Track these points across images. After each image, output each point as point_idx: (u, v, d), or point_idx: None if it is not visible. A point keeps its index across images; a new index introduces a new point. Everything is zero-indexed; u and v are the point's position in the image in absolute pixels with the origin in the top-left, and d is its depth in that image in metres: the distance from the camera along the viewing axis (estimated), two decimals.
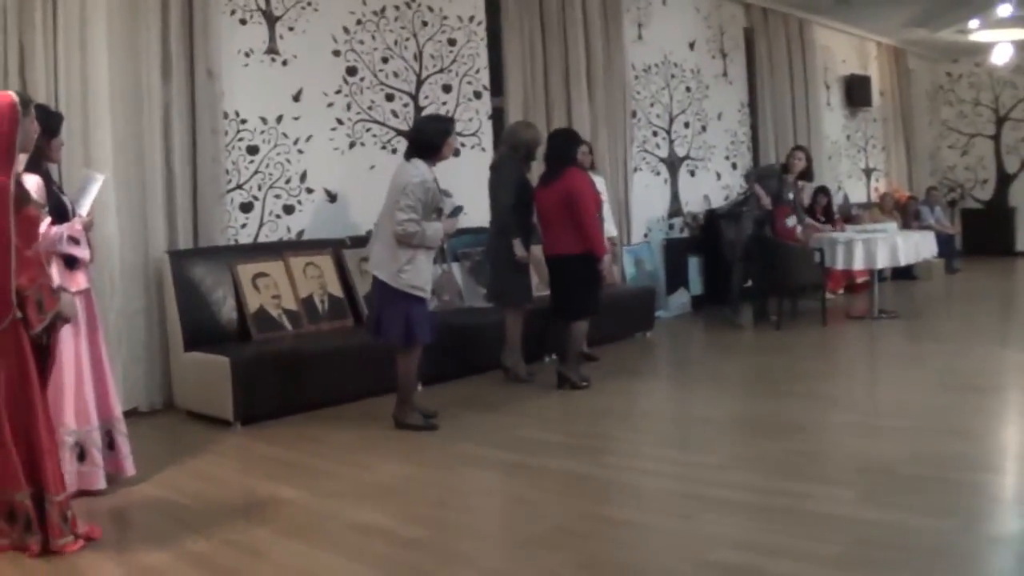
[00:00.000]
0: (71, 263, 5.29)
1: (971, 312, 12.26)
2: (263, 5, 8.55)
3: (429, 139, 6.77)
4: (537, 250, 8.36)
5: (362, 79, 9.27)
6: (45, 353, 4.51)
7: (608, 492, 5.35)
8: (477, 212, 8.89)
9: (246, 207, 8.45)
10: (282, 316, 7.99)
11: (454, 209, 6.95)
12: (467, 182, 9.56)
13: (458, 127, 9.95)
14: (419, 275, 6.65)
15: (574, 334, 8.05)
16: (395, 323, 6.63)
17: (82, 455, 5.38)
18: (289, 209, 8.74)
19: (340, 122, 9.09)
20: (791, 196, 11.13)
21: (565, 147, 8.07)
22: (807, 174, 11.31)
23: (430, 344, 6.89)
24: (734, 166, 13.96)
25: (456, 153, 9.84)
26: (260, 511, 5.15)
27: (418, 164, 6.68)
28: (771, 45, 14.58)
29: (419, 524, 4.87)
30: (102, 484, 5.48)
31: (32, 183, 5.08)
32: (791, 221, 11.12)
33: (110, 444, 5.55)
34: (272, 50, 8.63)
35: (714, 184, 13.74)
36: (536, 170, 8.59)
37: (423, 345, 6.83)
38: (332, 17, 9.04)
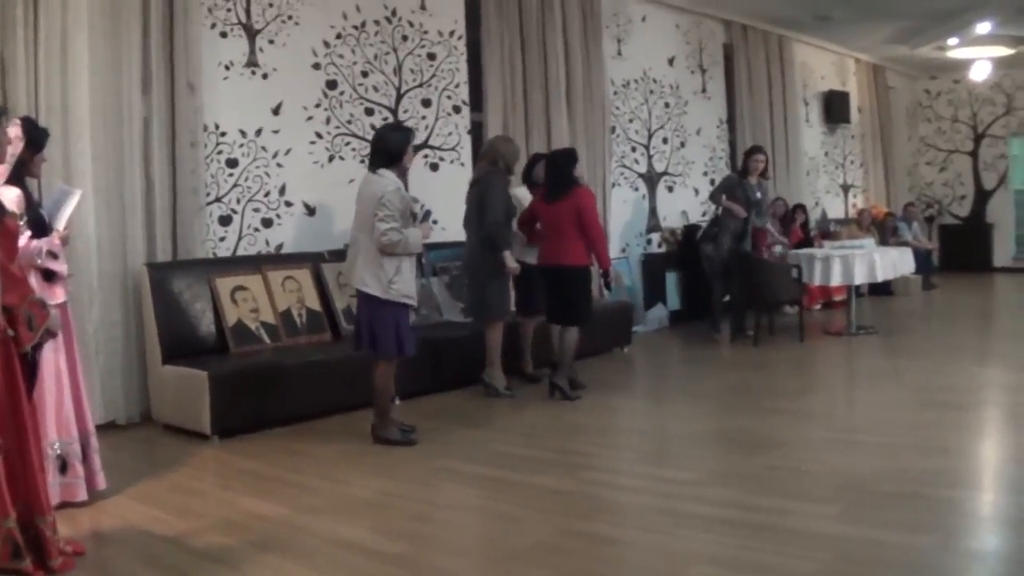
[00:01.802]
0: (49, 276, 5.29)
1: (949, 328, 12.32)
2: (243, 18, 8.55)
3: (395, 148, 6.77)
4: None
5: (342, 93, 9.27)
6: (32, 369, 4.48)
7: (588, 508, 5.34)
8: (456, 227, 8.90)
9: (225, 220, 8.44)
10: (260, 329, 7.96)
11: (425, 213, 7.15)
12: (445, 196, 9.63)
13: (438, 142, 10.02)
14: (408, 283, 6.72)
15: (568, 342, 8.22)
16: (388, 335, 6.65)
17: (63, 467, 5.37)
18: (268, 222, 8.72)
19: (319, 136, 9.08)
20: (759, 196, 11.17)
21: (570, 166, 8.29)
22: (764, 172, 11.36)
23: (411, 357, 6.91)
24: (712, 182, 13.96)
25: (434, 167, 9.93)
26: (238, 525, 5.12)
27: (386, 174, 6.71)
28: (750, 61, 14.64)
29: (399, 539, 4.85)
30: (84, 496, 5.47)
31: (13, 196, 5.07)
32: (760, 221, 11.23)
33: (83, 459, 5.53)
34: (252, 63, 8.63)
35: (692, 200, 13.77)
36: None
37: (407, 358, 6.87)
38: (312, 31, 9.04)
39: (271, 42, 8.74)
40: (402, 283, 6.65)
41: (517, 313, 8.79)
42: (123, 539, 5.03)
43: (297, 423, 7.36)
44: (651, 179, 13.06)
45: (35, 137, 5.36)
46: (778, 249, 11.18)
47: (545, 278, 8.37)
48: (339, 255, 8.68)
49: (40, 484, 4.38)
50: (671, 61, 13.45)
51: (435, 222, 8.90)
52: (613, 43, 12.41)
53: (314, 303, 8.40)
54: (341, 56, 9.27)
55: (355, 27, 9.38)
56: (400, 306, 6.70)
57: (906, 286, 15.18)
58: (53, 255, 5.27)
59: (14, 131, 5.27)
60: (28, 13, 7.08)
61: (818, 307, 13.66)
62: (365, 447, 6.76)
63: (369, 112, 9.48)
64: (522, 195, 8.73)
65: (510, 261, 8.18)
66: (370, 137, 9.18)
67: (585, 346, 8.75)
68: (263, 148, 8.67)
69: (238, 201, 8.52)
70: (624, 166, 12.57)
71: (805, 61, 16.44)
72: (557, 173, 8.30)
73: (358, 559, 4.61)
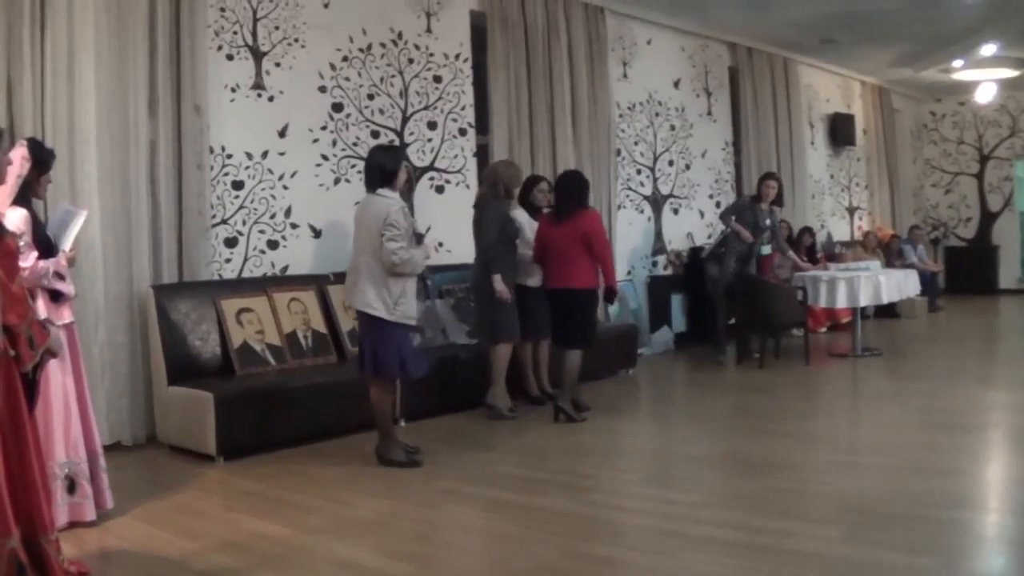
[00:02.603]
0: (56, 297, 5.33)
1: (954, 350, 12.29)
2: (250, 41, 8.60)
3: (390, 167, 6.77)
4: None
5: (348, 115, 9.31)
6: (32, 389, 4.49)
7: (591, 529, 5.33)
8: (462, 249, 8.92)
9: (231, 242, 8.46)
10: (266, 351, 7.98)
11: (420, 235, 7.15)
12: (452, 219, 9.65)
13: (443, 164, 10.06)
14: (411, 305, 6.76)
15: (570, 364, 8.23)
16: (392, 357, 6.66)
17: (72, 487, 5.40)
18: (274, 244, 8.75)
19: (325, 158, 9.12)
20: (768, 223, 11.18)
21: (579, 188, 8.37)
22: (778, 199, 11.34)
23: (422, 377, 6.95)
24: (718, 204, 14.00)
25: (439, 190, 9.96)
26: (242, 546, 5.13)
27: (387, 193, 6.72)
28: (755, 84, 14.69)
29: (402, 560, 4.85)
30: (92, 515, 5.48)
31: (19, 216, 5.10)
32: (766, 249, 11.21)
33: (91, 478, 5.54)
34: (258, 85, 8.67)
35: (698, 222, 13.79)
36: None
37: (416, 377, 6.90)
38: (318, 53, 9.09)
39: (277, 65, 8.78)
40: (406, 305, 6.68)
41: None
42: (127, 560, 5.04)
43: (301, 444, 7.37)
44: (656, 202, 13.08)
45: (41, 158, 5.41)
46: (766, 249, 11.15)
47: (550, 301, 8.38)
48: (344, 277, 8.72)
49: (43, 503, 4.38)
50: (676, 84, 13.49)
51: (440, 244, 8.92)
52: (619, 66, 12.46)
53: (320, 325, 8.41)
54: (347, 79, 9.31)
55: (361, 50, 9.43)
56: (403, 327, 6.72)
57: (911, 308, 15.17)
58: (60, 276, 5.31)
59: (20, 152, 5.31)
60: (35, 34, 7.12)
61: (824, 330, 13.65)
62: (369, 468, 6.76)
63: (375, 135, 9.51)
64: (520, 218, 8.71)
65: (499, 285, 8.16)
66: None
67: (590, 368, 8.77)
68: (269, 170, 8.70)
69: (244, 223, 8.55)
70: (629, 188, 12.59)
71: (810, 84, 16.48)
72: (564, 195, 8.34)
73: None
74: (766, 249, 11.33)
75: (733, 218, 11.10)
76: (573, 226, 8.10)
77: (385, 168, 6.76)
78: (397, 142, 9.66)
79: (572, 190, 8.33)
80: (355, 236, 6.90)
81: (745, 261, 11.05)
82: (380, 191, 6.73)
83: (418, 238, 6.91)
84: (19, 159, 5.27)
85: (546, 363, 9.06)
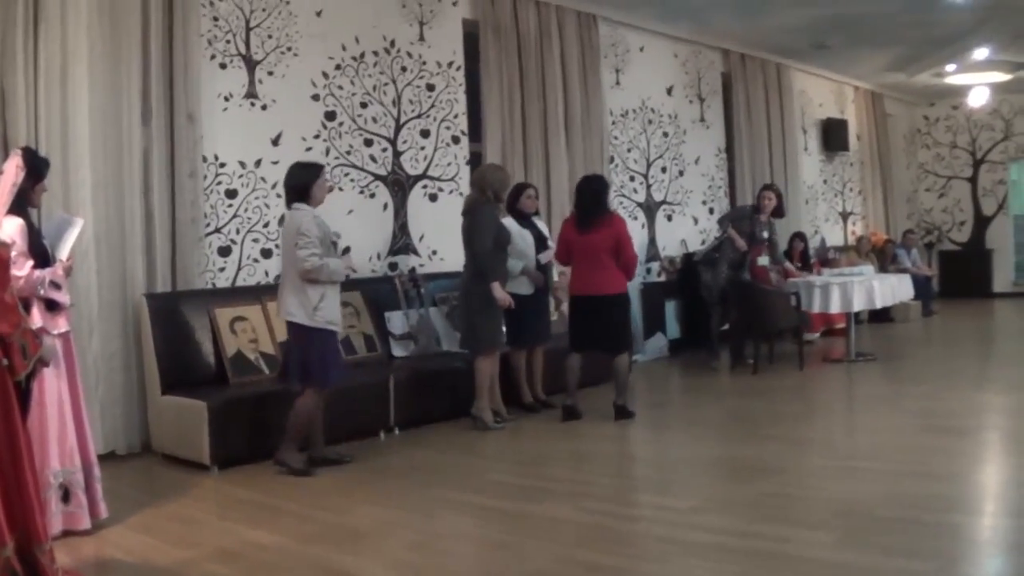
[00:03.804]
0: (52, 306, 5.32)
1: (948, 354, 12.31)
2: (243, 50, 8.60)
3: (301, 184, 6.94)
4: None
5: (341, 124, 9.31)
6: (25, 397, 4.48)
7: (586, 536, 5.32)
8: (453, 256, 8.91)
9: (224, 251, 8.46)
10: (259, 360, 7.97)
11: (344, 249, 7.50)
12: (445, 226, 9.66)
13: (437, 172, 10.05)
14: (332, 310, 6.88)
15: (621, 367, 8.39)
16: (315, 364, 6.78)
17: (66, 496, 5.40)
18: (267, 253, 8.74)
19: None
20: (765, 235, 11.19)
21: (603, 193, 8.60)
22: (778, 211, 11.36)
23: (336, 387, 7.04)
24: (711, 211, 14.04)
25: (433, 198, 9.97)
26: (236, 554, 5.12)
27: (302, 207, 6.90)
28: (748, 90, 14.72)
29: (396, 569, 4.85)
30: (87, 524, 5.49)
31: (14, 226, 5.10)
32: (763, 260, 11.22)
33: (86, 487, 5.53)
34: (252, 94, 8.67)
35: (691, 229, 13.81)
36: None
37: (336, 385, 7.04)
38: (311, 62, 9.09)
39: (270, 73, 8.78)
40: (327, 310, 6.81)
41: (508, 344, 8.77)
42: (122, 569, 5.03)
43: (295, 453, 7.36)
44: (650, 208, 13.09)
45: (36, 166, 5.42)
46: (762, 260, 11.18)
47: (579, 308, 8.42)
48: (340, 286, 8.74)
49: (37, 513, 4.37)
50: (669, 90, 13.51)
51: (434, 252, 8.89)
52: (611, 73, 12.47)
53: None
54: (340, 87, 9.31)
55: (354, 58, 9.43)
56: (327, 333, 6.85)
57: (906, 312, 15.21)
58: (56, 285, 5.31)
59: (14, 161, 5.32)
60: (28, 43, 7.13)
61: (818, 335, 13.64)
62: (364, 476, 6.77)
63: (368, 143, 9.52)
64: (510, 226, 8.68)
65: (499, 292, 8.16)
66: (369, 168, 9.29)
67: (586, 375, 8.77)
68: (262, 179, 8.70)
69: (237, 232, 8.55)
70: (623, 195, 12.60)
71: (803, 89, 16.52)
72: (589, 200, 8.46)
73: None
74: (764, 260, 11.32)
75: (730, 224, 11.11)
76: (604, 231, 8.23)
77: (296, 185, 6.97)
78: (390, 150, 9.67)
79: (597, 194, 8.48)
80: (281, 250, 7.16)
81: (737, 268, 11.05)
82: (295, 205, 6.92)
83: (337, 247, 7.12)
84: (13, 168, 5.27)
85: (541, 370, 9.07)
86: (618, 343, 8.35)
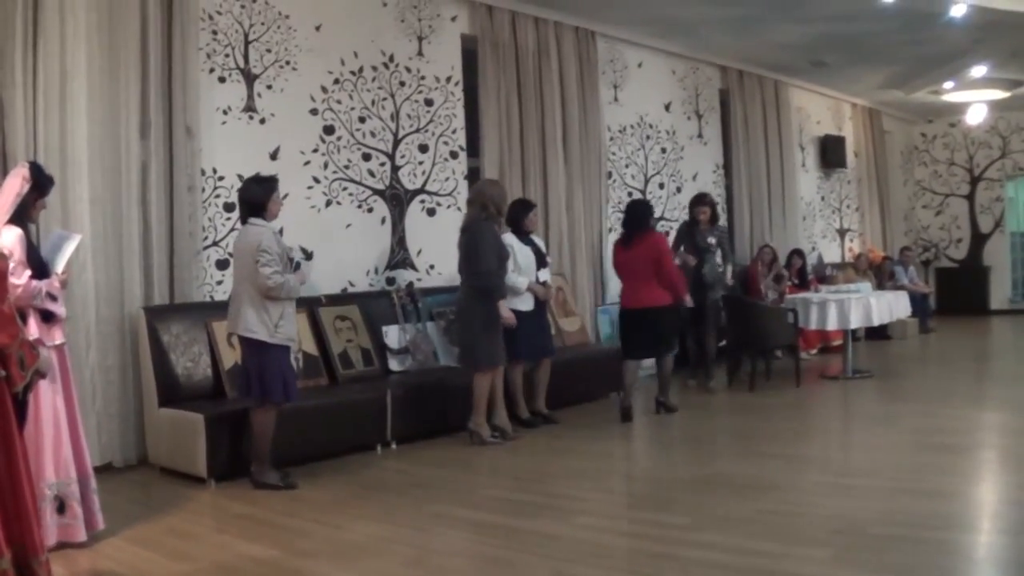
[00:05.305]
0: (47, 318, 5.33)
1: (945, 371, 12.32)
2: (242, 64, 8.61)
3: (255, 199, 6.96)
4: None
5: (339, 138, 9.32)
6: (22, 409, 4.48)
7: (581, 552, 5.31)
8: (451, 271, 8.92)
9: (222, 264, 8.45)
10: None
11: (297, 263, 7.46)
12: (443, 241, 9.64)
13: (435, 187, 10.06)
14: (291, 327, 6.97)
15: (666, 367, 9.37)
16: (275, 380, 6.80)
17: (62, 508, 5.39)
18: None
19: (317, 180, 9.12)
20: (711, 240, 11.10)
21: (646, 214, 9.44)
22: (715, 219, 11.42)
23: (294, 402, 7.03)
24: None
25: (431, 213, 9.97)
26: (232, 569, 5.12)
27: (258, 222, 6.92)
28: (746, 106, 14.73)
29: None
30: (83, 537, 5.48)
31: (13, 235, 5.12)
32: (722, 267, 11.18)
33: (82, 499, 5.53)
34: (250, 108, 8.68)
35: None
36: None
37: (289, 403, 7.01)
38: (310, 76, 9.10)
39: (269, 87, 8.80)
40: (287, 327, 6.88)
41: (508, 359, 8.71)
42: None
43: (292, 467, 7.34)
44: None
45: (41, 182, 5.48)
46: (771, 295, 11.22)
47: (629, 320, 9.11)
48: (336, 299, 8.78)
49: (33, 525, 4.37)
50: (667, 107, 13.53)
51: (432, 266, 8.88)
52: (609, 89, 12.49)
53: (310, 347, 8.40)
54: (339, 101, 9.33)
55: (353, 73, 9.45)
56: (284, 349, 6.89)
57: (903, 330, 15.21)
58: (52, 297, 5.33)
59: (21, 172, 5.35)
60: (27, 57, 7.14)
61: (814, 352, 13.64)
62: (360, 491, 6.76)
63: (366, 157, 9.53)
64: (512, 242, 8.68)
65: (504, 311, 8.19)
66: (367, 182, 9.30)
67: (580, 392, 8.81)
68: None
69: None
70: (621, 212, 12.56)
71: (801, 106, 16.54)
72: (633, 220, 9.24)
73: None
74: (722, 266, 11.23)
75: (682, 247, 11.02)
76: (645, 249, 8.96)
77: (250, 200, 6.99)
78: (388, 165, 9.69)
79: (640, 215, 9.28)
80: (234, 265, 7.16)
81: (700, 288, 10.85)
82: (252, 220, 6.94)
83: (293, 264, 7.16)
84: (20, 180, 5.31)
85: (545, 385, 9.06)
86: (665, 347, 9.22)
